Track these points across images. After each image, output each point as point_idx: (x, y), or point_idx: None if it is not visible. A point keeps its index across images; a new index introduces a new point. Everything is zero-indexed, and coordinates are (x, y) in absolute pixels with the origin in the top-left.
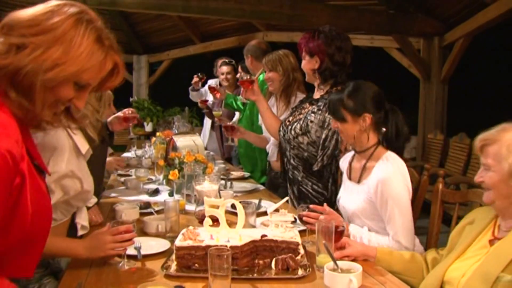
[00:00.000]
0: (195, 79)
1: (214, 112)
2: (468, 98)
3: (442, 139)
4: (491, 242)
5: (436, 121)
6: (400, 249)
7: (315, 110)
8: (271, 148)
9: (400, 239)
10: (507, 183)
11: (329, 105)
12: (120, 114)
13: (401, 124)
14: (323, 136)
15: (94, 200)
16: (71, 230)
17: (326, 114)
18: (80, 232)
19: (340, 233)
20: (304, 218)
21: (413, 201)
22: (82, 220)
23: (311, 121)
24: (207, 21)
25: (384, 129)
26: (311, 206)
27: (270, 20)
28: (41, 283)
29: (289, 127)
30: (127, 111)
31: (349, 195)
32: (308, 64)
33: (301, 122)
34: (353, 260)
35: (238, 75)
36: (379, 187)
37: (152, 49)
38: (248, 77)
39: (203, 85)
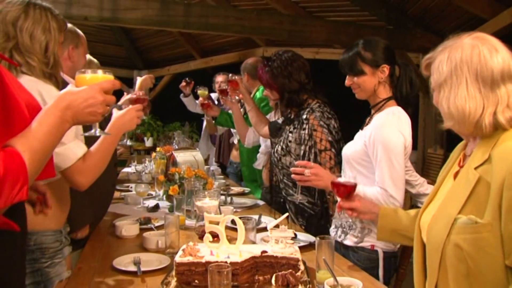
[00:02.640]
0: (183, 83)
1: (199, 91)
2: None
3: (442, 153)
4: (456, 175)
5: (436, 136)
6: (387, 199)
7: (292, 129)
8: (259, 156)
9: (386, 187)
10: (437, 100)
11: (342, 63)
12: (132, 95)
13: (414, 77)
14: (301, 152)
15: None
16: None
17: (301, 131)
18: None
19: (352, 188)
20: (292, 176)
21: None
22: None
23: (290, 141)
24: (208, 37)
25: (396, 81)
26: (296, 162)
27: (270, 36)
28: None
29: (273, 150)
30: (139, 93)
31: (351, 142)
32: (271, 95)
33: (282, 143)
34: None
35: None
36: (373, 133)
37: (153, 64)
38: (236, 77)
39: (194, 94)
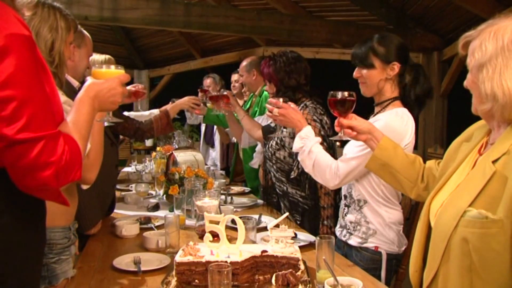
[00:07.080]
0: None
1: (208, 105)
2: (468, 112)
3: (442, 153)
4: (475, 162)
5: (436, 136)
6: (333, 171)
7: None
8: (255, 155)
9: (340, 165)
10: (475, 81)
11: (354, 55)
12: (131, 88)
13: (425, 79)
14: None
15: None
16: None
17: None
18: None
19: (351, 102)
20: (267, 114)
21: (415, 216)
22: None
23: (284, 136)
24: (208, 37)
25: (406, 82)
26: (269, 99)
27: (270, 36)
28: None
29: (267, 145)
30: (138, 86)
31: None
32: (269, 89)
33: (276, 138)
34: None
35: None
36: None
37: (153, 64)
38: (226, 92)
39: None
